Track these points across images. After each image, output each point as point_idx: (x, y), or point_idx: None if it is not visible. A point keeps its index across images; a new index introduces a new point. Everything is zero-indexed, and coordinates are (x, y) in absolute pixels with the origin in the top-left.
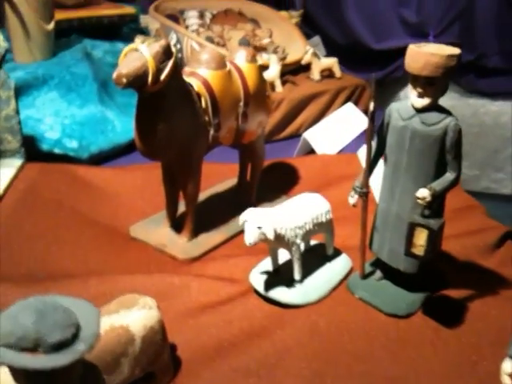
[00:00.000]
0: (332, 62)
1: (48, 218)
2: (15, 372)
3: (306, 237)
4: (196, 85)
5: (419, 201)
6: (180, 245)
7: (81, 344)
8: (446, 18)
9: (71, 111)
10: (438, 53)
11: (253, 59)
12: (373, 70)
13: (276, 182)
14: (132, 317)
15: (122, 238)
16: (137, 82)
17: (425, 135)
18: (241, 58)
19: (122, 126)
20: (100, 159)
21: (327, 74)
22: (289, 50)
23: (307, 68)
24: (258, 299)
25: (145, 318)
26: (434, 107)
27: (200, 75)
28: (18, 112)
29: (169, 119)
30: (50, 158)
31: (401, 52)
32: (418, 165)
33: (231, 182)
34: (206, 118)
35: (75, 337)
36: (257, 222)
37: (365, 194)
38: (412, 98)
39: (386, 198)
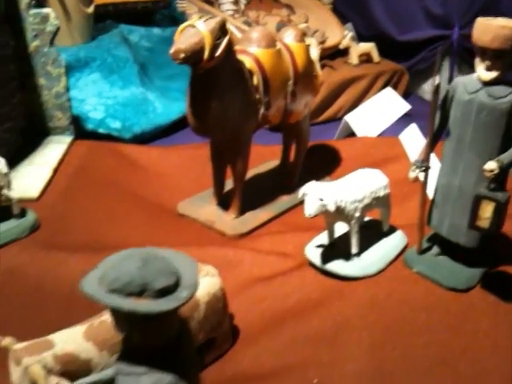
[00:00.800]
0: (370, 46)
1: (99, 194)
2: (118, 318)
3: (365, 210)
4: (248, 62)
5: (486, 173)
6: (228, 221)
7: (183, 291)
8: (471, 10)
9: (114, 92)
10: (508, 25)
11: (301, 39)
12: (397, 62)
13: (318, 164)
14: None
15: (169, 214)
16: (193, 57)
17: (492, 108)
18: (289, 37)
19: (162, 107)
20: (142, 140)
21: (365, 59)
22: (326, 34)
23: (344, 53)
24: (314, 272)
25: (208, 285)
26: (501, 80)
27: (251, 53)
28: (68, 89)
29: (222, 96)
30: (94, 137)
31: (425, 44)
32: (483, 138)
33: (272, 163)
34: (257, 96)
35: (177, 284)
36: (318, 194)
37: (426, 168)
38: (479, 71)
39: (447, 172)
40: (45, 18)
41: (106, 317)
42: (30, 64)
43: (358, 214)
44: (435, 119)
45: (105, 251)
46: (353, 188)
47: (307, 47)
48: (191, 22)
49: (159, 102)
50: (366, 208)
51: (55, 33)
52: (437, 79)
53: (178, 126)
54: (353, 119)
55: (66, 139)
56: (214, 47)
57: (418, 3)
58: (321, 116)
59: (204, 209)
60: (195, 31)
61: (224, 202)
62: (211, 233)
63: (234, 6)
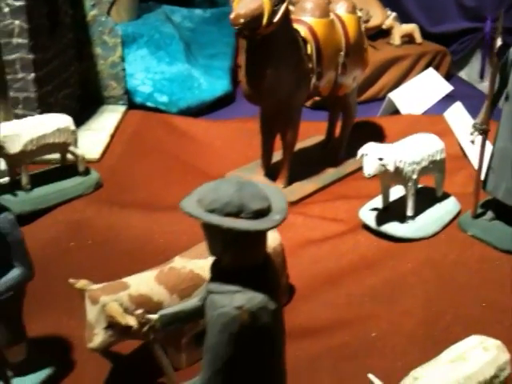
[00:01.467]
0: (413, 27)
1: (153, 160)
2: (214, 238)
3: (421, 173)
4: (302, 31)
5: None
6: None
7: (276, 215)
8: (504, 2)
9: (161, 68)
10: None
11: (353, 10)
12: None
13: (362, 140)
14: None
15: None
16: (252, 22)
17: None
18: (341, 8)
19: (207, 84)
20: (187, 115)
21: (406, 40)
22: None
23: (385, 34)
24: (368, 235)
25: (269, 239)
26: None
27: (305, 22)
28: (123, 59)
29: (277, 63)
30: (143, 110)
31: (456, 36)
32: None
33: (317, 138)
34: (310, 65)
35: (269, 209)
36: (378, 154)
37: (484, 131)
38: None
39: (505, 136)
40: None
41: (175, 264)
42: (87, 33)
43: (415, 176)
44: (495, 82)
45: (162, 210)
46: (411, 150)
47: (359, 19)
48: None
49: (204, 78)
50: (423, 171)
51: (113, 2)
52: (498, 41)
53: (221, 102)
54: (397, 97)
55: (120, 108)
56: (272, 13)
57: None
58: (363, 95)
59: (252, 179)
60: None
61: (271, 173)
62: None
63: None
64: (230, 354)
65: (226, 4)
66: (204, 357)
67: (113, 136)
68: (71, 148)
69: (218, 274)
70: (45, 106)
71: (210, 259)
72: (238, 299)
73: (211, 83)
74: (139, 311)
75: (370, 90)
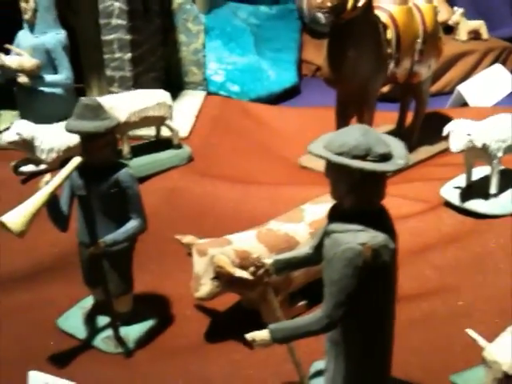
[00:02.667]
0: (479, 23)
1: (233, 141)
2: (339, 180)
3: (506, 152)
4: (383, 17)
5: None
6: None
7: (399, 160)
8: None
9: (232, 59)
10: None
11: (430, 0)
12: None
13: (432, 131)
14: None
15: (293, 166)
16: (339, 7)
17: None
18: None
19: (276, 75)
20: None
21: (472, 36)
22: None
23: (450, 30)
24: (451, 212)
25: None
26: None
27: (385, 9)
28: (204, 46)
29: (358, 46)
30: None
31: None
32: None
33: (385, 127)
34: (389, 51)
35: (391, 154)
36: (466, 129)
37: None
38: None
39: None
40: None
41: (271, 226)
42: (172, 20)
43: (500, 154)
44: None
45: (249, 183)
46: (498, 128)
47: (435, 8)
48: None
49: (272, 70)
50: (508, 150)
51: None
52: None
53: (287, 94)
54: (465, 89)
55: (200, 93)
56: None
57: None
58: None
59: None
60: None
61: None
62: None
63: None
64: (353, 287)
65: (289, 1)
66: (326, 291)
67: (197, 117)
68: (168, 122)
69: (339, 216)
70: (137, 85)
71: (302, 224)
72: (361, 236)
73: (279, 75)
74: (255, 255)
75: (437, 84)
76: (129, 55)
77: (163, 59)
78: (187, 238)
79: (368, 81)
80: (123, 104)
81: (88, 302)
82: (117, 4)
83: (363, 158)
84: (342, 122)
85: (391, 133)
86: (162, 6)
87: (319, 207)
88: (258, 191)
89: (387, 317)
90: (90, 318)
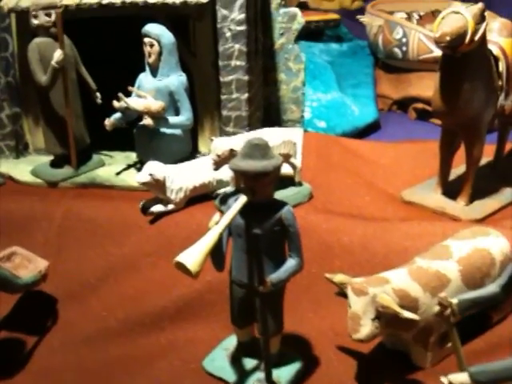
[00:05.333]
0: None
1: (339, 175)
2: None
3: None
4: (494, 49)
5: None
6: (460, 208)
7: None
8: None
9: (317, 96)
10: None
11: None
12: None
13: None
14: (490, 242)
15: (396, 200)
16: (457, 40)
17: None
18: None
19: (359, 111)
20: None
21: None
22: None
23: None
24: None
25: (501, 245)
26: None
27: (495, 41)
28: (304, 84)
29: (473, 79)
30: None
31: None
32: None
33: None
34: (500, 83)
35: None
36: None
37: None
38: None
39: None
40: (292, 17)
41: (420, 263)
42: (273, 60)
43: None
44: None
45: (367, 219)
46: None
47: None
48: (454, 9)
49: (355, 106)
50: None
51: (300, 31)
52: None
53: (370, 128)
54: None
55: (299, 131)
56: (475, 31)
57: None
58: None
59: (430, 196)
60: (459, 17)
61: (448, 190)
62: (441, 217)
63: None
64: None
65: (353, 38)
66: None
67: (302, 154)
68: (292, 159)
69: None
70: (250, 125)
71: (450, 261)
72: None
73: (361, 110)
74: (443, 294)
75: None
76: (246, 95)
77: (263, 98)
78: (339, 277)
79: (480, 113)
80: None
81: (230, 342)
82: (237, 46)
83: None
84: (447, 154)
85: (488, 165)
86: (264, 47)
87: (464, 244)
88: (384, 228)
89: None
90: (235, 360)
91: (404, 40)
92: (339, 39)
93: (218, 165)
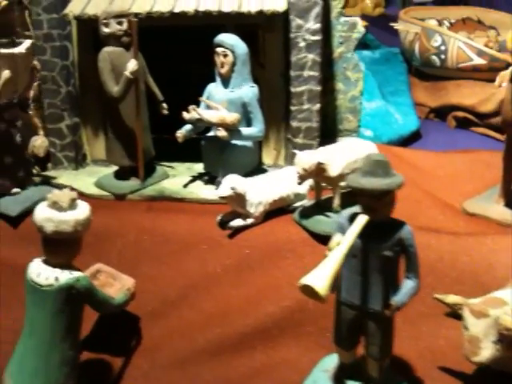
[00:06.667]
0: None
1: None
2: None
3: None
4: None
5: None
6: None
7: None
8: None
9: (362, 105)
10: None
11: None
12: None
13: None
14: None
15: (457, 211)
16: None
17: None
18: None
19: (402, 119)
20: None
21: None
22: None
23: None
24: None
25: None
26: None
27: None
28: (362, 93)
29: None
30: None
31: None
32: None
33: None
34: None
35: None
36: None
37: None
38: None
39: None
40: (352, 26)
41: None
42: (331, 69)
43: None
44: None
45: (446, 233)
46: None
47: None
48: None
49: (399, 114)
50: None
51: (360, 39)
52: None
53: (413, 137)
54: None
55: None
56: None
57: None
58: None
59: (493, 208)
60: None
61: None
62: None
63: None
64: None
65: (380, 45)
66: None
67: None
68: None
69: None
70: (320, 136)
71: None
72: None
73: (404, 118)
74: None
75: None
76: (317, 106)
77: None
78: (452, 298)
79: None
80: (337, 156)
81: (328, 363)
82: (310, 56)
83: None
84: (510, 167)
85: None
86: (323, 56)
87: None
88: (464, 242)
89: None
90: (339, 382)
91: (443, 48)
92: (366, 46)
93: (303, 179)
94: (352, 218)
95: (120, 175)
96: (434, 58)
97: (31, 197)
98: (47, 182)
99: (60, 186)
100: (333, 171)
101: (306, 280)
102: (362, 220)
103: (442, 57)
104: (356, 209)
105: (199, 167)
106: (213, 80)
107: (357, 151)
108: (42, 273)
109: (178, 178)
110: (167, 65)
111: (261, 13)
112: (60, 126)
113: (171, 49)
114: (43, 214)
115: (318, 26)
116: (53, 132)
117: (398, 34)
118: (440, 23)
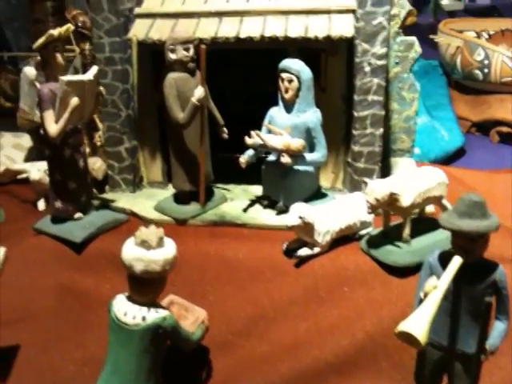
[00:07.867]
0: None
1: None
2: None
3: None
4: None
5: None
6: None
7: None
8: None
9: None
10: None
11: None
12: None
13: None
14: None
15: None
16: None
17: None
18: None
19: (448, 135)
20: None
21: None
22: None
23: None
24: None
25: None
26: None
27: None
28: (417, 113)
29: None
30: None
31: None
32: None
33: None
34: None
35: None
36: None
37: None
38: None
39: None
40: (409, 46)
41: None
42: (386, 89)
43: None
44: None
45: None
46: None
47: None
48: None
49: (444, 130)
50: None
51: (416, 60)
52: None
53: (458, 153)
54: None
55: (409, 161)
56: None
57: None
58: None
59: None
60: None
61: None
62: None
63: None
64: None
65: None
66: None
67: None
68: (443, 201)
69: None
70: (381, 161)
71: None
72: None
73: (450, 134)
74: None
75: None
76: (380, 130)
77: None
78: None
79: None
80: (409, 185)
81: None
82: (375, 80)
83: None
84: None
85: None
86: None
87: None
88: None
89: None
90: None
91: (486, 62)
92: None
93: (375, 209)
94: (442, 259)
95: (180, 199)
96: (477, 71)
97: (94, 222)
98: (107, 205)
99: (120, 210)
100: (405, 201)
101: (405, 327)
102: (458, 262)
103: (486, 71)
104: (444, 247)
105: (255, 189)
106: (273, 101)
107: (428, 180)
108: (128, 311)
109: (236, 202)
110: (225, 84)
111: (328, 38)
112: (119, 148)
113: (230, 70)
114: (132, 254)
115: (384, 50)
116: (112, 155)
117: (435, 44)
118: (479, 35)
